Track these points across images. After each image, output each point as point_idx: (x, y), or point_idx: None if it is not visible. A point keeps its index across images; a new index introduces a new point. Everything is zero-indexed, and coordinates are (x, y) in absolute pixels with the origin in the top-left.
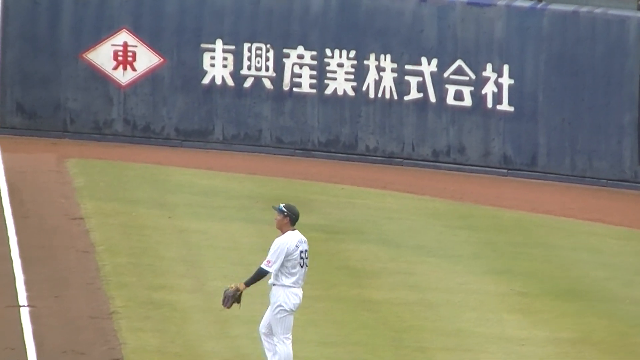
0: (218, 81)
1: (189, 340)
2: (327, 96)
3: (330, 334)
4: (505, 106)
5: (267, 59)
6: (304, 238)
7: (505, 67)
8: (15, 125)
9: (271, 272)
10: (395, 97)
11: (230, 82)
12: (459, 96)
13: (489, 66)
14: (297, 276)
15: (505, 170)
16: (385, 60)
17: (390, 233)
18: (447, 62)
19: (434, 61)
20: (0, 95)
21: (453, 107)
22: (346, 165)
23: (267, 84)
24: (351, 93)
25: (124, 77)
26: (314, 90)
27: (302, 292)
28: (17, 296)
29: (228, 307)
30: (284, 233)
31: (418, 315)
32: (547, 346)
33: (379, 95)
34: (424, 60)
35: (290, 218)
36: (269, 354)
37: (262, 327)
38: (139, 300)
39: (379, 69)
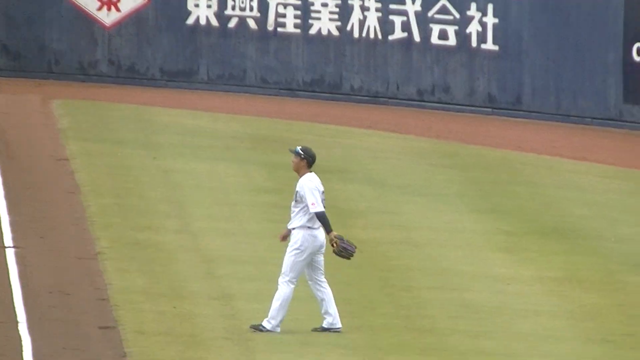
0: (202, 21)
1: (175, 280)
2: (312, 36)
3: None
4: (489, 45)
5: None
6: (320, 181)
7: (490, 6)
8: None
9: (324, 210)
10: (380, 36)
11: (214, 22)
12: (443, 35)
13: (473, 5)
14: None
15: (490, 109)
16: None
17: (375, 172)
18: (431, 1)
19: (418, 0)
20: None
21: (437, 46)
22: (331, 104)
23: (252, 24)
24: (335, 33)
25: (108, 17)
26: (298, 30)
27: (322, 232)
28: (3, 237)
29: (354, 247)
30: (301, 175)
31: (404, 254)
32: (532, 284)
33: (364, 34)
34: None
35: (308, 160)
36: (322, 303)
37: (307, 277)
38: (125, 240)
39: (363, 8)
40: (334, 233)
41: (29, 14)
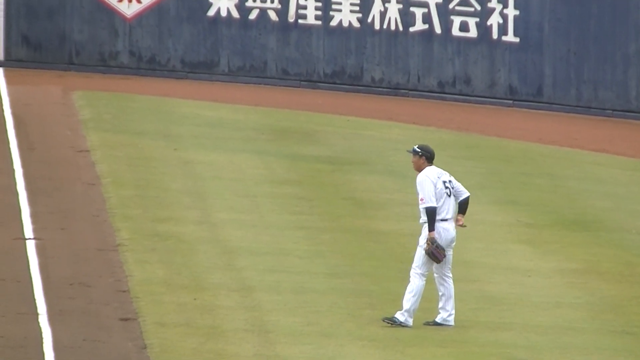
0: (223, 13)
1: (195, 272)
2: (333, 27)
3: (337, 265)
4: (510, 37)
5: None
6: (443, 171)
7: None
8: (21, 58)
9: (435, 205)
10: (401, 28)
11: (235, 13)
12: (464, 27)
13: None
14: (445, 208)
15: (510, 101)
16: None
17: (396, 164)
18: None
19: None
20: (6, 28)
21: (458, 38)
22: (352, 96)
23: (273, 15)
24: (356, 24)
25: (129, 9)
26: (319, 22)
27: (453, 225)
28: (23, 229)
29: (442, 256)
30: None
31: None
32: (553, 276)
33: (385, 26)
34: None
35: (426, 157)
36: (441, 298)
37: (434, 269)
38: (145, 232)
39: (384, 0)
40: (433, 235)
41: (50, 5)
